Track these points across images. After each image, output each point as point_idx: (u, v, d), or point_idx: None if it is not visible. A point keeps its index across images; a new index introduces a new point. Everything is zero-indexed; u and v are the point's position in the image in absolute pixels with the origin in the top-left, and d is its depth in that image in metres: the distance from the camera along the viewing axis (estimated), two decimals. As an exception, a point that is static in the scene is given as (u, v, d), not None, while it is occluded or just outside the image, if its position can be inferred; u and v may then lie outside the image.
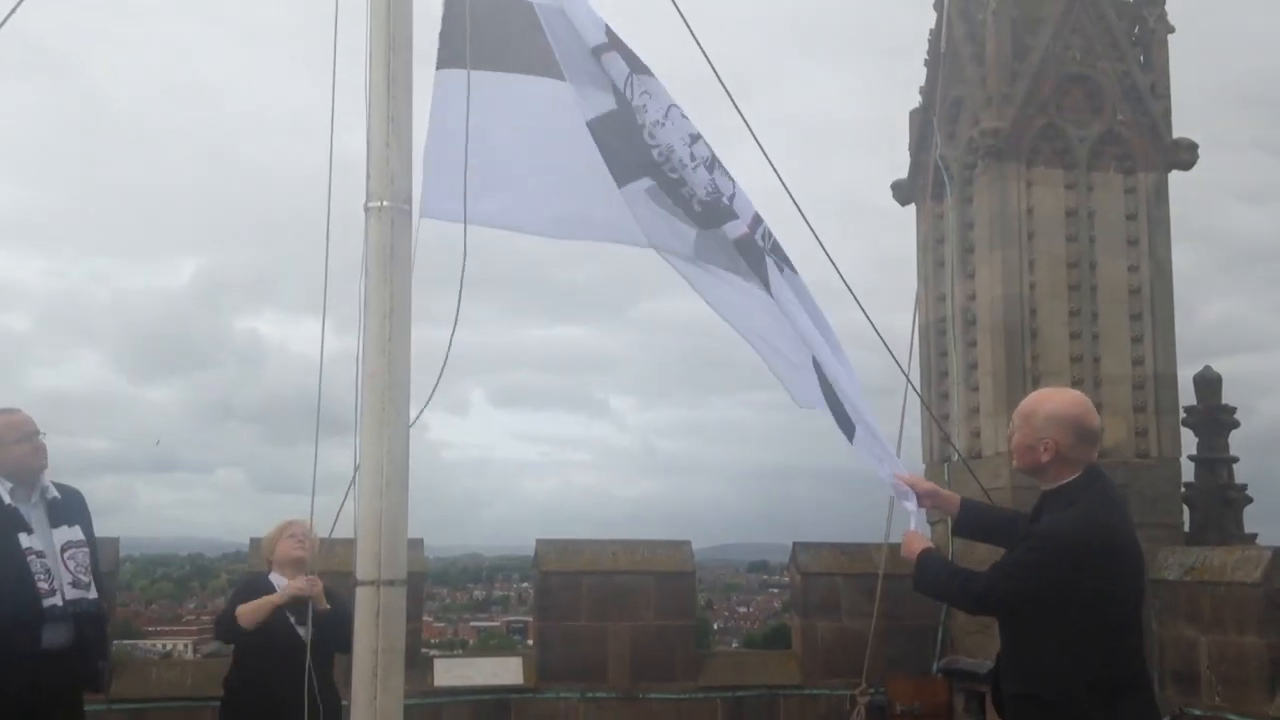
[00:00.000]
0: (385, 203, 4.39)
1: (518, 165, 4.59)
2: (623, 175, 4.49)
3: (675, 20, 4.87)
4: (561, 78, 4.52)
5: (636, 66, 4.57)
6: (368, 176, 4.43)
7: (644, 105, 4.56)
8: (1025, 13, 10.36)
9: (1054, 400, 4.20)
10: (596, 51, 4.57)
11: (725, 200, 4.57)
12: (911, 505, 4.63)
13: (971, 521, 4.70)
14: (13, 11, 5.05)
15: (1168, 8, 10.55)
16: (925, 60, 11.24)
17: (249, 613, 5.84)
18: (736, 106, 5.10)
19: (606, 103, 4.51)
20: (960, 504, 4.68)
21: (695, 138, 4.59)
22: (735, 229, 4.58)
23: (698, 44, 4.96)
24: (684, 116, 4.60)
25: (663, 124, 4.57)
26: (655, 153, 4.52)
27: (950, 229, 10.83)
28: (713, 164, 4.60)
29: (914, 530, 4.41)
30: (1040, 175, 10.29)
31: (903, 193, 11.59)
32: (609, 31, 4.60)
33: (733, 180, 4.64)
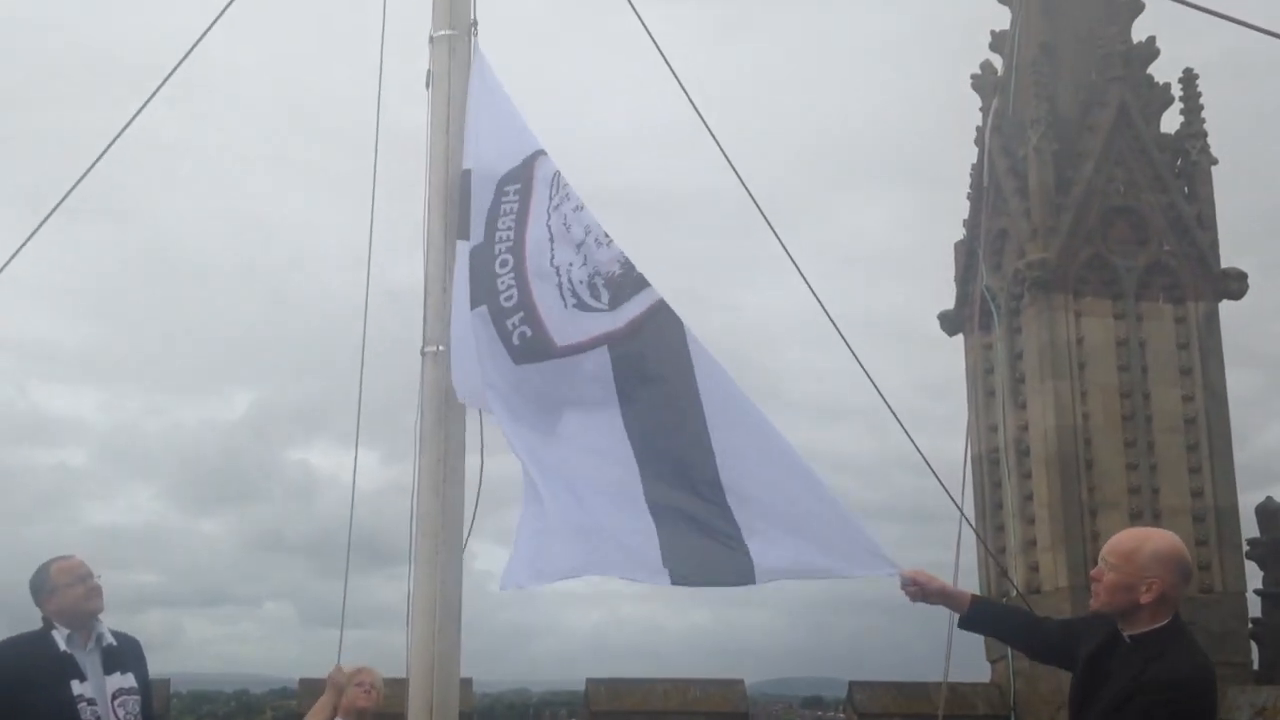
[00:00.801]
0: (440, 347, 4.50)
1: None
2: (475, 298, 4.57)
3: (716, 151, 5.02)
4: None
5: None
6: (424, 322, 4.55)
7: (567, 194, 4.70)
8: (1066, 147, 10.49)
9: (1156, 539, 4.00)
10: (521, 167, 4.74)
11: (636, 271, 4.59)
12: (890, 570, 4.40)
13: (983, 618, 4.50)
14: (90, 168, 5.29)
15: (1210, 140, 10.66)
16: (968, 194, 11.39)
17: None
18: (775, 233, 5.20)
19: (479, 236, 4.65)
20: (971, 600, 4.49)
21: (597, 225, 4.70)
22: (650, 295, 4.55)
23: (736, 174, 5.10)
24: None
25: (581, 208, 4.69)
26: (499, 281, 4.58)
27: (999, 359, 10.80)
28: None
29: None
30: (1089, 306, 10.29)
31: (950, 323, 11.61)
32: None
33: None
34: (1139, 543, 3.92)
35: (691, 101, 5.04)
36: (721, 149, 5.12)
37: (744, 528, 4.29)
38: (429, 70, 4.78)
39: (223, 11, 5.24)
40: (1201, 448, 10.13)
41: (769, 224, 5.28)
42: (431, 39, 4.76)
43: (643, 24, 5.08)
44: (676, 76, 5.09)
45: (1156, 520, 9.85)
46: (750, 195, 5.20)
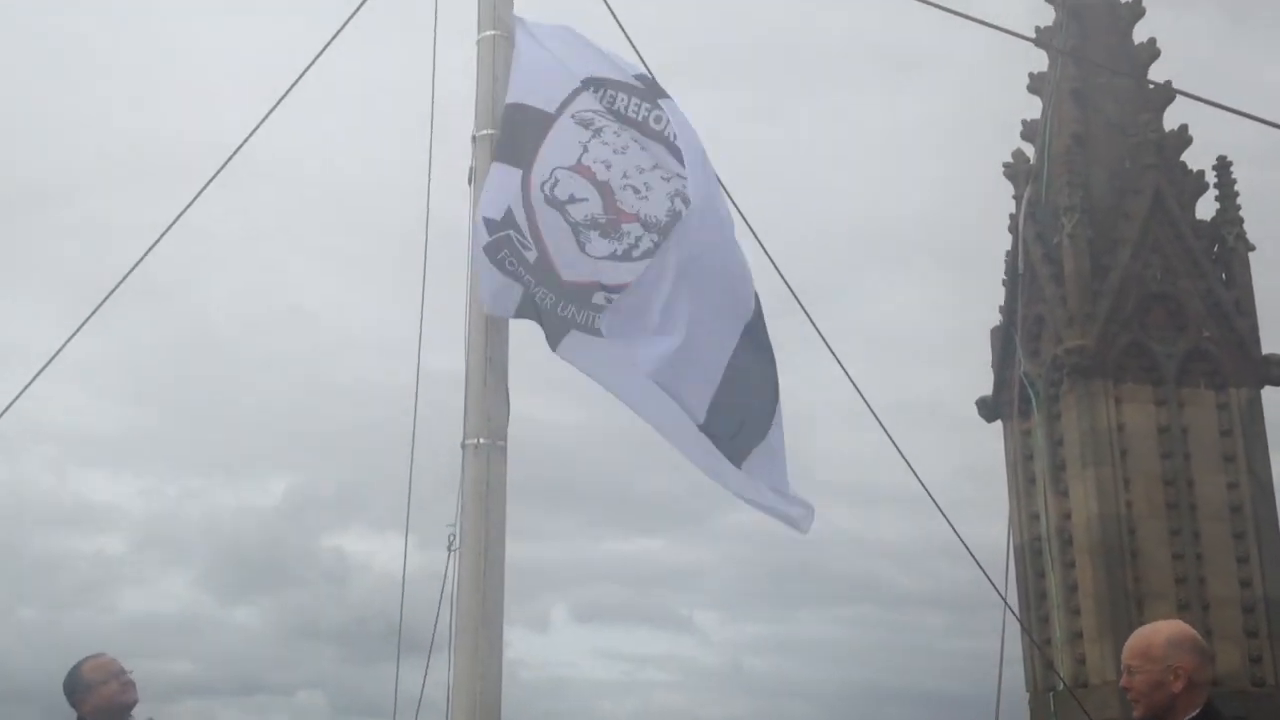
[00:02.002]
0: (482, 440, 4.52)
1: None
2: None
3: (748, 233, 5.07)
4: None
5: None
6: (466, 415, 4.58)
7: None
8: (1101, 234, 10.51)
9: (1164, 628, 4.05)
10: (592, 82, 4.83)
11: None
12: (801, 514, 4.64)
13: None
14: (137, 264, 5.40)
15: (1246, 226, 10.65)
16: (1003, 280, 11.39)
17: None
18: (810, 318, 5.23)
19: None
20: None
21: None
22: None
23: (768, 256, 5.14)
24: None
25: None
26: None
27: (1039, 446, 10.70)
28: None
29: None
30: (1129, 392, 10.21)
31: (988, 409, 11.53)
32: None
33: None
34: (1149, 638, 3.98)
35: (722, 184, 5.11)
36: (754, 232, 5.18)
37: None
38: (471, 167, 4.88)
39: (269, 113, 5.40)
40: (1249, 536, 9.97)
41: (803, 308, 5.32)
42: (474, 138, 4.87)
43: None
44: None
45: (1205, 611, 9.67)
46: (783, 279, 5.25)
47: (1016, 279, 10.97)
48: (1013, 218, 11.26)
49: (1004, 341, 11.27)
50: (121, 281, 5.41)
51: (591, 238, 4.57)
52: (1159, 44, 11.23)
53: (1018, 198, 11.24)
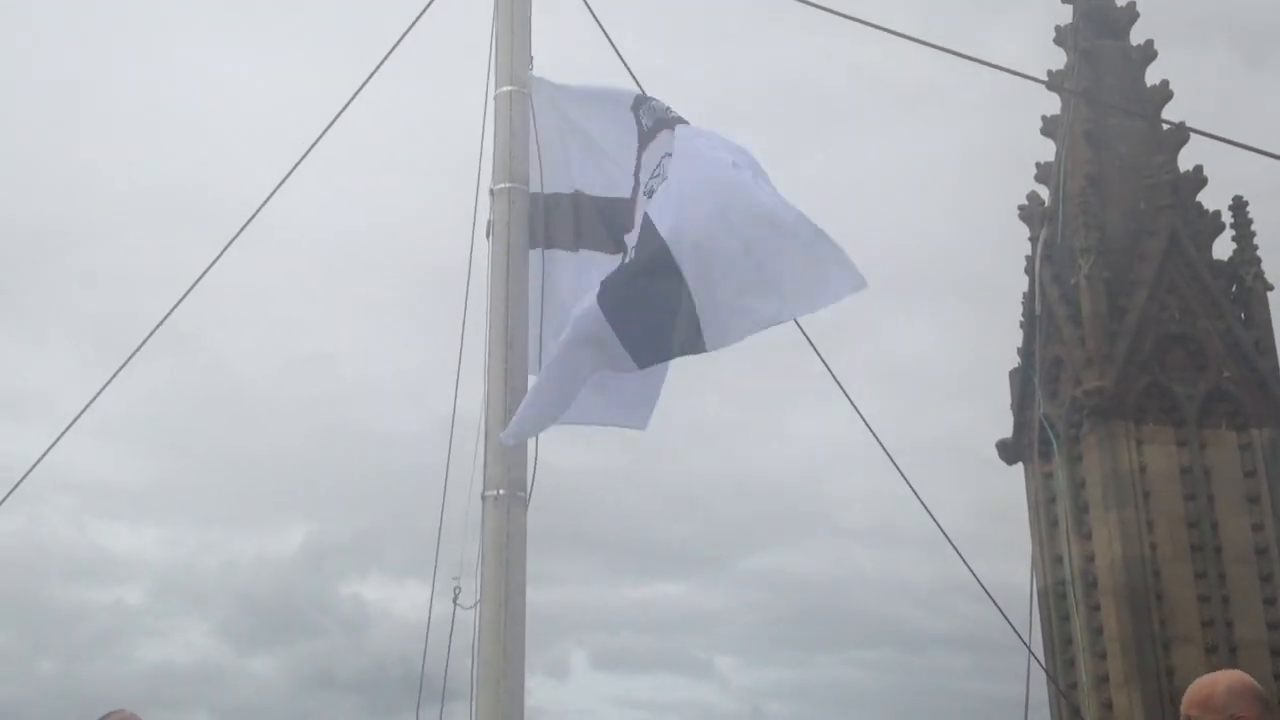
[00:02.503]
0: (502, 491, 4.54)
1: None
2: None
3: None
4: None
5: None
6: (485, 466, 4.59)
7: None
8: (1118, 275, 10.51)
9: (1223, 678, 3.98)
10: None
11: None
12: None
13: None
14: (166, 317, 5.46)
15: (1264, 265, 10.63)
16: (1021, 322, 11.38)
17: None
18: (821, 356, 5.23)
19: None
20: None
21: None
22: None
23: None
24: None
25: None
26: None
27: (1061, 488, 10.64)
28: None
29: None
30: (1150, 433, 10.16)
31: (1008, 452, 11.48)
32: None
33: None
34: (1210, 687, 3.90)
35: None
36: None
37: (696, 296, 4.38)
38: (489, 220, 4.92)
39: (293, 169, 5.47)
40: (1275, 579, 9.87)
41: (815, 349, 5.33)
42: (492, 192, 4.92)
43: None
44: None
45: (1233, 654, 9.55)
46: (795, 319, 5.26)
47: (1034, 321, 10.96)
48: (1029, 259, 11.26)
49: (1023, 384, 11.24)
50: (149, 337, 5.47)
51: None
52: (1172, 85, 11.28)
53: (1033, 240, 11.26)
